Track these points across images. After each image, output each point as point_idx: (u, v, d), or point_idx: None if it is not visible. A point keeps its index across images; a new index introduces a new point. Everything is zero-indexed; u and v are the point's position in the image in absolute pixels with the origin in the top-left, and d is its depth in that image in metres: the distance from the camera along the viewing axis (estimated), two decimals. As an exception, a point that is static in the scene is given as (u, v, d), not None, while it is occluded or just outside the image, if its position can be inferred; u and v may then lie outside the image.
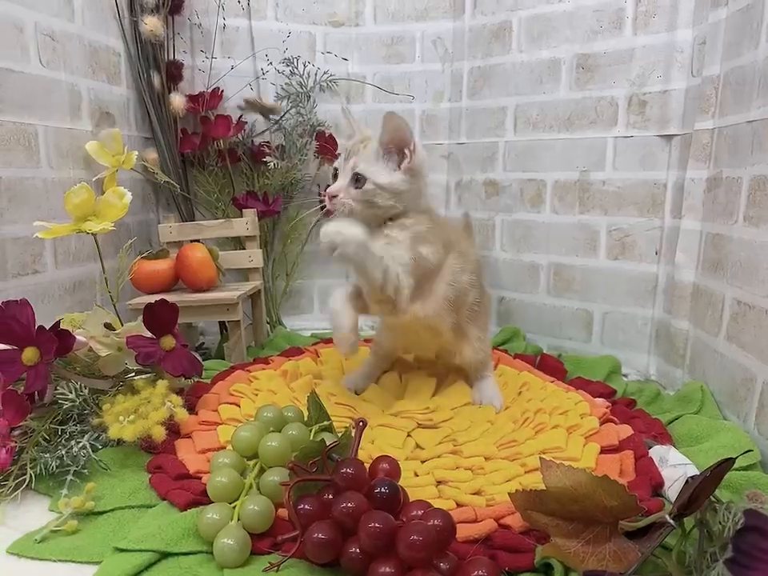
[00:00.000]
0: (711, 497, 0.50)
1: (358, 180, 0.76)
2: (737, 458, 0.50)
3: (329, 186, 0.79)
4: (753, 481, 0.62)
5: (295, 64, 1.21)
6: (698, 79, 0.94)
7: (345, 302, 0.75)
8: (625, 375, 1.04)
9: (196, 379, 0.86)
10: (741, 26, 0.83)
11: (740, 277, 0.80)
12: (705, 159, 0.93)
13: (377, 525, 0.45)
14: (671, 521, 0.47)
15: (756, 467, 0.67)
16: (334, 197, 0.76)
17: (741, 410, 0.77)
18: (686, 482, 0.53)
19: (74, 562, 0.50)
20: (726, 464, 0.49)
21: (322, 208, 0.79)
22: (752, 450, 0.65)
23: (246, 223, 1.13)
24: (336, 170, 0.80)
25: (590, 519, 0.49)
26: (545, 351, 1.12)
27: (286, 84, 1.23)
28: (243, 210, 1.15)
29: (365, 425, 0.56)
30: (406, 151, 0.77)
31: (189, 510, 0.55)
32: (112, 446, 0.68)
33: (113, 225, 0.70)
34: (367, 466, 0.57)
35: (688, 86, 0.98)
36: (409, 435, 0.75)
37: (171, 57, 1.17)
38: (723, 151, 0.88)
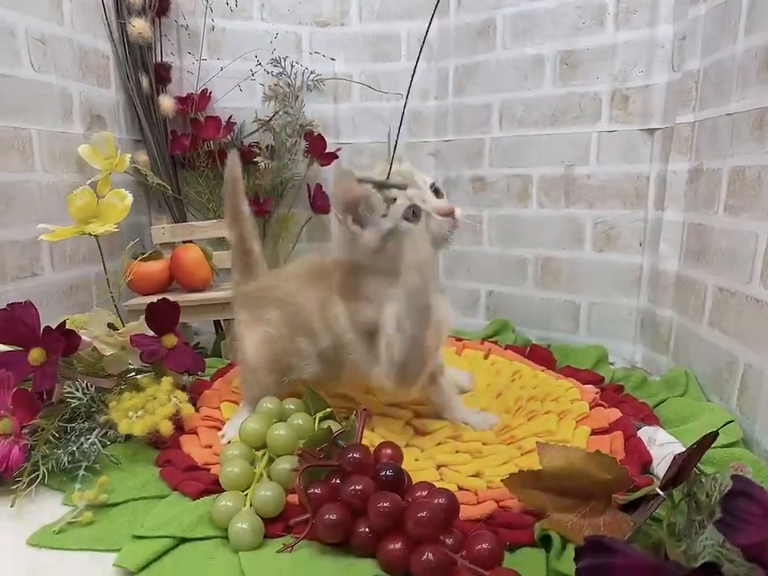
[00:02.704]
0: (697, 471, 0.54)
1: (437, 191, 0.69)
2: (719, 430, 0.53)
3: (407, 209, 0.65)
4: (735, 456, 0.65)
5: (283, 64, 1.23)
6: (678, 74, 0.98)
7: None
8: (611, 363, 1.08)
9: (197, 376, 0.88)
10: (719, 21, 0.86)
11: (721, 265, 0.84)
12: (686, 152, 0.96)
13: (386, 504, 0.48)
14: (662, 493, 0.51)
15: (738, 444, 0.70)
16: (453, 212, 0.66)
17: (724, 392, 0.81)
18: (674, 457, 0.56)
19: (93, 550, 0.52)
20: (710, 437, 0.52)
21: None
22: (733, 421, 0.68)
23: (239, 222, 1.14)
24: (415, 206, 0.66)
25: (585, 494, 0.52)
26: (534, 342, 1.15)
27: (273, 84, 1.24)
28: (236, 209, 1.17)
29: (368, 413, 0.59)
30: None
31: (201, 499, 0.57)
32: (119, 442, 0.69)
33: (115, 226, 0.71)
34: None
35: (669, 80, 1.01)
36: (407, 423, 0.77)
37: (159, 59, 1.18)
38: (704, 143, 0.91)
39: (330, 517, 0.49)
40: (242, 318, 0.78)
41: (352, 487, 0.50)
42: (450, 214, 0.66)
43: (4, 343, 0.69)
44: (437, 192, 0.69)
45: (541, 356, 1.05)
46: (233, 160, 0.81)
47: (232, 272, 0.84)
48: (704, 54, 0.91)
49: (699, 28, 0.92)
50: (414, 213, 0.66)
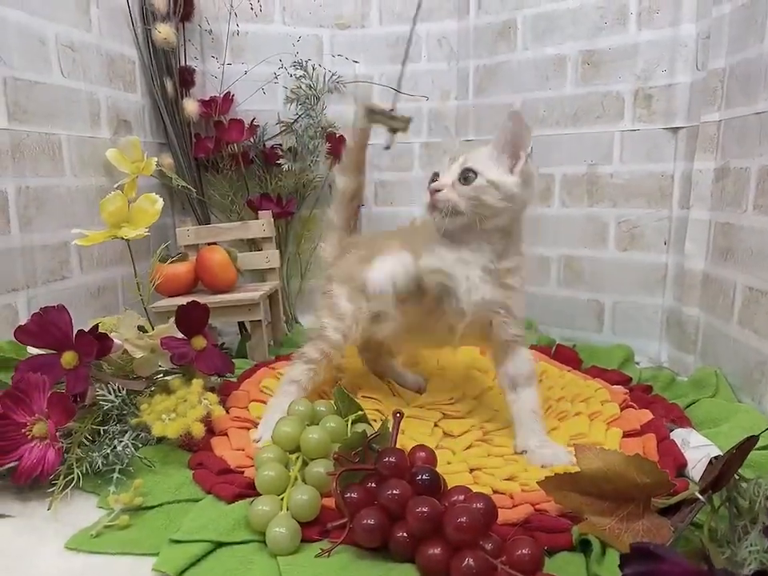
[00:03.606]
0: (736, 475, 0.53)
1: (467, 177, 0.70)
2: (759, 435, 0.53)
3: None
4: (772, 459, 0.64)
5: (304, 67, 1.23)
6: (702, 73, 0.97)
7: None
8: (637, 363, 1.07)
9: (225, 377, 0.88)
10: (745, 20, 0.85)
11: (751, 264, 0.83)
12: (712, 150, 0.95)
13: (425, 510, 0.48)
14: (702, 498, 0.50)
15: (773, 447, 0.69)
16: (438, 191, 0.70)
17: (756, 393, 0.80)
18: (710, 461, 0.55)
19: (131, 554, 0.52)
20: (751, 442, 0.51)
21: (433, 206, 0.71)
22: (772, 427, 0.67)
23: (262, 225, 1.15)
24: (435, 174, 0.73)
25: (624, 497, 0.51)
26: (558, 342, 1.14)
27: (295, 87, 1.24)
28: (259, 211, 1.18)
29: (402, 416, 0.59)
30: (521, 154, 0.71)
31: (236, 503, 0.57)
32: (151, 445, 0.70)
33: (147, 230, 0.72)
34: (403, 454, 0.59)
35: (693, 79, 1.00)
36: (436, 425, 0.77)
37: (183, 63, 1.19)
38: (731, 142, 0.90)
39: (369, 521, 0.49)
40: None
41: (389, 491, 0.50)
42: (432, 191, 0.71)
43: (38, 347, 0.70)
44: (466, 179, 0.70)
45: (566, 356, 1.04)
46: (360, 115, 0.90)
47: (334, 222, 0.93)
48: (729, 53, 0.90)
49: (724, 27, 0.91)
50: (433, 180, 0.73)
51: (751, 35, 0.83)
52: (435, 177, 0.73)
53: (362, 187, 0.93)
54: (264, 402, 0.82)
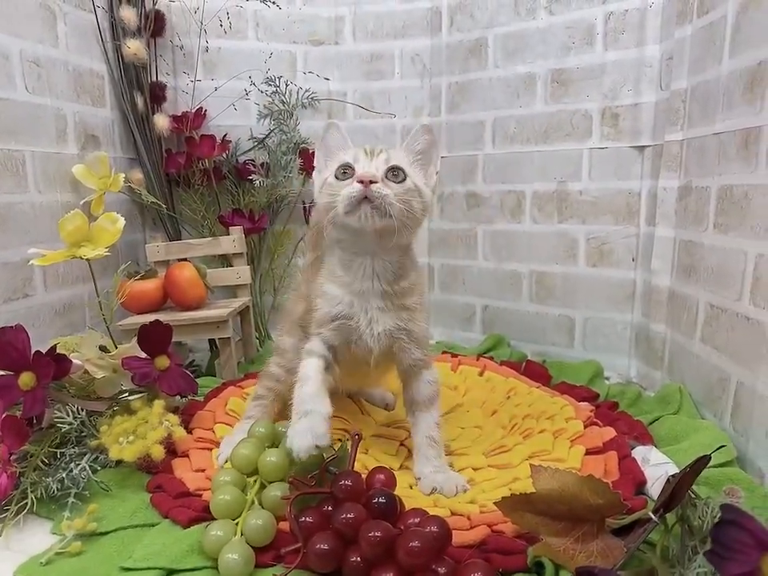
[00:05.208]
0: (691, 493, 0.53)
1: (396, 175, 0.63)
2: (711, 454, 0.53)
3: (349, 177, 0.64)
4: (729, 476, 0.65)
5: (277, 83, 1.24)
6: (666, 93, 0.99)
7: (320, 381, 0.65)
8: (607, 378, 1.08)
9: (190, 397, 0.87)
10: (705, 42, 0.87)
11: (712, 282, 0.84)
12: (675, 169, 0.97)
13: (376, 534, 0.47)
14: (654, 517, 0.50)
15: (732, 463, 0.70)
16: (373, 182, 0.61)
17: (717, 409, 0.81)
18: (667, 480, 0.56)
19: (81, 582, 0.51)
20: (702, 461, 0.52)
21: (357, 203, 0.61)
22: (725, 446, 0.68)
23: (233, 241, 1.14)
24: (347, 166, 0.65)
25: (578, 518, 0.52)
26: (529, 357, 1.15)
27: (268, 103, 1.25)
28: (230, 227, 1.17)
29: (360, 438, 0.59)
30: (432, 169, 0.68)
31: (191, 527, 0.56)
32: (110, 467, 0.69)
33: (107, 250, 0.71)
34: (363, 475, 0.59)
35: (657, 99, 1.02)
36: (402, 444, 0.77)
37: (154, 78, 1.19)
38: (692, 162, 0.92)
39: (322, 546, 0.49)
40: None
41: (343, 515, 0.49)
42: (365, 182, 0.61)
43: (-5, 368, 0.68)
44: (395, 174, 0.64)
45: (536, 372, 1.05)
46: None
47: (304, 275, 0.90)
48: (690, 74, 0.92)
49: (686, 49, 0.93)
50: (344, 171, 0.64)
51: (710, 58, 0.85)
52: (347, 168, 0.64)
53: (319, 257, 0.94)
54: (229, 424, 0.81)
